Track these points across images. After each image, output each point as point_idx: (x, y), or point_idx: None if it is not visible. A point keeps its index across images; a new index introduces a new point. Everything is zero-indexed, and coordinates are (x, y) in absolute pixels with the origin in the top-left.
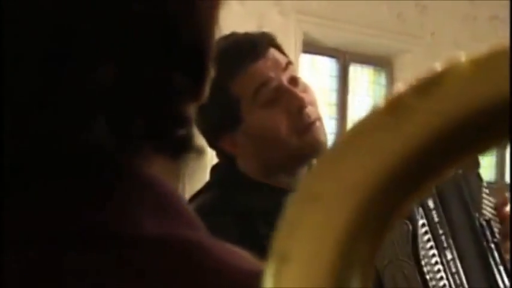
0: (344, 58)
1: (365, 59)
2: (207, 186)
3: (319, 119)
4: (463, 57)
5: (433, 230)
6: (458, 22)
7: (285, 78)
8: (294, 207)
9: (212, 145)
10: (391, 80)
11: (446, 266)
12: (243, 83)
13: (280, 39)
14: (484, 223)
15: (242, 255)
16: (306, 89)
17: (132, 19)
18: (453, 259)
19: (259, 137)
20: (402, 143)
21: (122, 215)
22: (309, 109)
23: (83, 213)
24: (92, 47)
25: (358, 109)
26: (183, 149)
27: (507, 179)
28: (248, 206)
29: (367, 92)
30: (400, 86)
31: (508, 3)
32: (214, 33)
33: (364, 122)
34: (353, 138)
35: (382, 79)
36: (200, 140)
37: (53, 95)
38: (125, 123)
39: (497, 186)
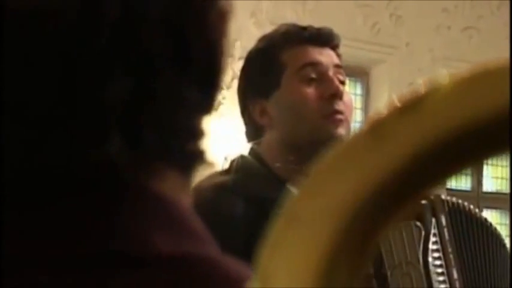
0: None
1: None
2: (223, 172)
3: (346, 119)
4: (442, 78)
5: (443, 245)
6: (433, 32)
7: (332, 73)
8: (277, 227)
9: (243, 109)
10: (367, 90)
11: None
12: (294, 55)
13: None
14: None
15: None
16: (345, 96)
17: (145, 35)
18: (458, 280)
19: (288, 107)
20: (382, 165)
21: (132, 233)
22: (340, 104)
23: (91, 232)
24: (106, 61)
25: None
26: (195, 164)
27: (484, 187)
28: (260, 194)
29: None
30: (383, 107)
31: (481, 13)
32: (225, 47)
33: (347, 143)
34: (336, 159)
35: (358, 89)
36: (210, 153)
37: (68, 110)
38: (138, 138)
39: (472, 195)
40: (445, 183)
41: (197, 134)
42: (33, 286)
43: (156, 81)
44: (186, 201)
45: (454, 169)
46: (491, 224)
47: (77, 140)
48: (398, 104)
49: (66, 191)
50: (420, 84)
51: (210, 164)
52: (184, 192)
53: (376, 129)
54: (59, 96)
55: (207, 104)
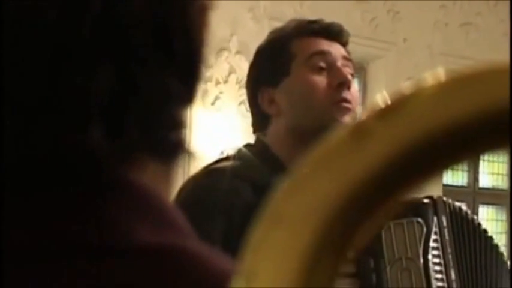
0: None
1: None
2: (225, 158)
3: (353, 109)
4: (424, 81)
5: (443, 245)
6: (430, 28)
7: (340, 63)
8: (259, 228)
9: (252, 99)
10: (364, 86)
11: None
12: (303, 45)
13: (254, 45)
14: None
15: (233, 263)
16: (353, 88)
17: (128, 26)
18: (456, 281)
19: (297, 95)
20: (362, 166)
21: (113, 224)
22: (348, 93)
23: (71, 222)
24: (90, 52)
25: None
26: (176, 154)
27: (480, 183)
28: (265, 180)
29: None
30: (364, 112)
31: (479, 9)
32: (205, 38)
33: (327, 145)
34: (316, 161)
35: (356, 85)
36: (191, 145)
37: (52, 99)
38: (120, 128)
39: (469, 191)
40: (432, 181)
41: (178, 124)
42: (14, 276)
43: (139, 72)
44: (166, 191)
45: (435, 170)
46: (490, 235)
47: (60, 130)
48: (381, 106)
49: (47, 181)
50: (404, 86)
51: (193, 155)
52: (165, 183)
53: (358, 130)
54: (43, 86)
55: (188, 95)
